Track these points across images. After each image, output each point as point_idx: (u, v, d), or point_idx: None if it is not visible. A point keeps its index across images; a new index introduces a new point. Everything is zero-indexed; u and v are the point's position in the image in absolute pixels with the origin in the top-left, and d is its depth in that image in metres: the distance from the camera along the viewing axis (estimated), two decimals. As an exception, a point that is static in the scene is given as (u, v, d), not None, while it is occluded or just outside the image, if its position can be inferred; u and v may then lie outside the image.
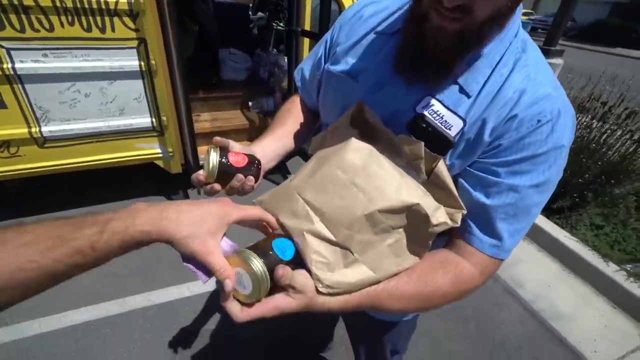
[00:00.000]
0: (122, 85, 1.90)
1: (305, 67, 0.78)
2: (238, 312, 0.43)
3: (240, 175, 0.57)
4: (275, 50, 3.42)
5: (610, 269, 2.03)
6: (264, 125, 2.94)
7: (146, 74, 1.91)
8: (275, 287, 0.44)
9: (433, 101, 0.52)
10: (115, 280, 1.80)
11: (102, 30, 1.73)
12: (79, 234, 0.35)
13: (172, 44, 1.87)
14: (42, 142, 1.86)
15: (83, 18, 1.67)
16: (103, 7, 1.67)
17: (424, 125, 0.52)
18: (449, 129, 0.51)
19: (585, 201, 2.44)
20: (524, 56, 0.51)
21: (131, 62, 1.85)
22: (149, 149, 2.15)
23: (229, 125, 2.82)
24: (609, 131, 2.44)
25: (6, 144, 1.79)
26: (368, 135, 0.55)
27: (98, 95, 1.87)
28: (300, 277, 0.45)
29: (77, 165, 2.01)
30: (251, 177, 0.59)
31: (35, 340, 1.51)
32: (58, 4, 1.60)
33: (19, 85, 1.69)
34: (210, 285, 1.84)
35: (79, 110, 1.87)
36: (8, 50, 1.61)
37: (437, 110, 0.52)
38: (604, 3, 19.58)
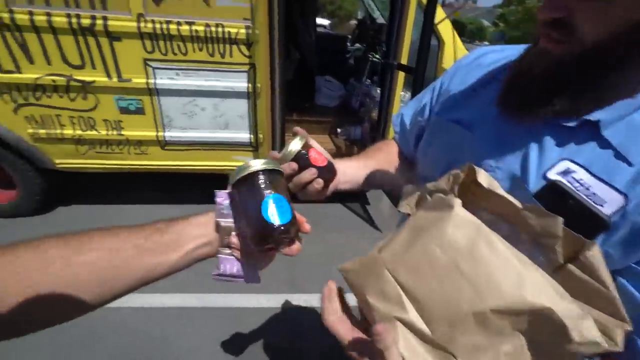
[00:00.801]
0: (230, 103, 2.16)
1: (407, 112, 0.73)
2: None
3: (313, 170, 0.53)
4: (369, 80, 3.53)
5: None
6: (349, 153, 3.01)
7: (251, 95, 2.15)
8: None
9: (573, 166, 0.41)
10: (203, 278, 1.99)
11: (222, 55, 2.02)
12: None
13: (277, 70, 2.08)
14: (164, 144, 2.21)
15: (209, 45, 1.98)
16: (226, 36, 1.96)
17: (562, 197, 0.40)
18: (601, 205, 0.39)
19: None
20: None
21: (241, 83, 2.11)
22: (243, 162, 2.38)
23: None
24: None
25: (139, 143, 2.18)
26: (477, 205, 0.44)
27: (211, 110, 2.17)
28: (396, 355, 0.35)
29: (186, 168, 2.33)
30: (321, 181, 0.54)
31: (129, 313, 1.74)
32: (194, 34, 1.92)
33: (156, 97, 2.07)
34: (277, 300, 1.90)
35: (195, 121, 2.18)
36: (154, 69, 1.99)
37: (581, 179, 0.40)
38: None
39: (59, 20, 1.77)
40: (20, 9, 1.74)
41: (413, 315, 0.38)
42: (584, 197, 0.40)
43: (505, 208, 0.41)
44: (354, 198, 2.85)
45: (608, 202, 0.39)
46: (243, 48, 2.02)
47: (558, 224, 0.37)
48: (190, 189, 2.74)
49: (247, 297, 1.90)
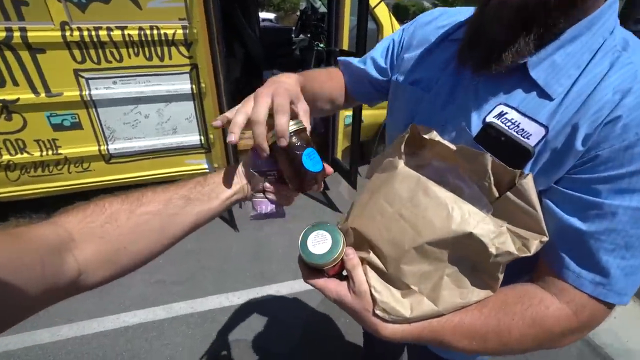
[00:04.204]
0: (175, 107, 2.10)
1: (367, 58, 0.74)
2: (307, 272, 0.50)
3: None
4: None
5: None
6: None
7: (196, 96, 2.09)
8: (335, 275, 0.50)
9: (506, 109, 0.47)
10: (163, 288, 1.94)
11: (161, 58, 1.95)
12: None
13: (220, 68, 2.04)
14: (109, 158, 2.10)
15: (146, 49, 1.90)
16: (163, 38, 1.89)
17: (496, 135, 0.46)
18: (527, 138, 0.45)
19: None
20: (624, 54, 0.43)
21: (184, 85, 2.05)
22: (197, 165, 2.32)
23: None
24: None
25: (80, 160, 2.05)
26: (429, 156, 0.52)
27: (155, 116, 2.09)
28: (362, 276, 0.47)
29: (136, 179, 2.23)
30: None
31: (94, 338, 1.67)
32: (127, 39, 1.83)
33: (93, 109, 1.95)
34: (247, 295, 1.91)
35: (140, 130, 2.09)
36: (87, 79, 1.87)
37: (512, 118, 0.46)
38: None
39: (-33, 35, 1.62)
40: None
41: (372, 256, 0.48)
42: (514, 133, 0.45)
43: (447, 153, 0.48)
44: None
45: (533, 135, 0.45)
46: (182, 49, 1.96)
47: (485, 160, 0.44)
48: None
49: (218, 298, 1.89)
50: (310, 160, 0.48)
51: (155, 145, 2.15)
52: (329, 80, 0.75)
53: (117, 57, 1.87)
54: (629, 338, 1.73)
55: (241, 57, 3.46)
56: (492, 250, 0.41)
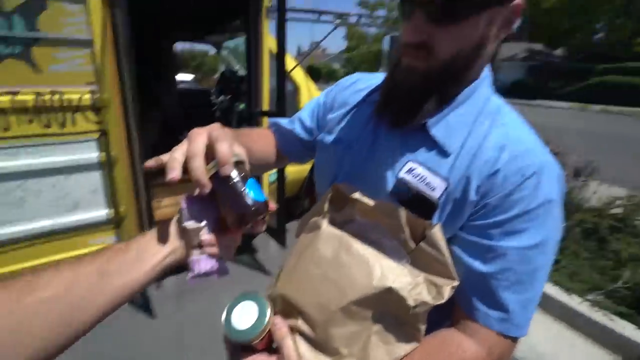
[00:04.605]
0: (77, 179, 1.84)
1: (295, 119, 0.78)
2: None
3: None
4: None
5: (575, 302, 2.08)
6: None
7: (105, 165, 1.88)
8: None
9: (414, 164, 0.52)
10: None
11: (62, 125, 1.74)
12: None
13: (134, 133, 1.90)
14: (-17, 247, 1.69)
15: (43, 116, 1.68)
16: (65, 104, 1.70)
17: (407, 190, 0.51)
18: (432, 190, 0.50)
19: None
20: (499, 117, 0.52)
21: (90, 154, 1.83)
22: (103, 244, 2.01)
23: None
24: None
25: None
26: (353, 214, 0.54)
27: (50, 192, 1.79)
28: (291, 347, 0.43)
29: (25, 269, 1.81)
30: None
31: None
32: (18, 105, 1.60)
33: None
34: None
35: (27, 210, 1.76)
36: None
37: (419, 174, 0.51)
38: (521, 66, 23.15)
39: None
40: None
41: (301, 323, 0.46)
42: (421, 187, 0.50)
43: (368, 209, 0.51)
44: (240, 250, 2.75)
45: (437, 188, 0.50)
46: (89, 114, 1.78)
47: (399, 214, 0.48)
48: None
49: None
50: (254, 190, 0.45)
51: (47, 226, 1.81)
52: (260, 139, 0.76)
53: (4, 125, 1.60)
54: (538, 344, 1.91)
55: (158, 121, 3.31)
56: (410, 302, 0.44)
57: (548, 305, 2.16)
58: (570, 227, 2.67)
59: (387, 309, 0.45)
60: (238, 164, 0.45)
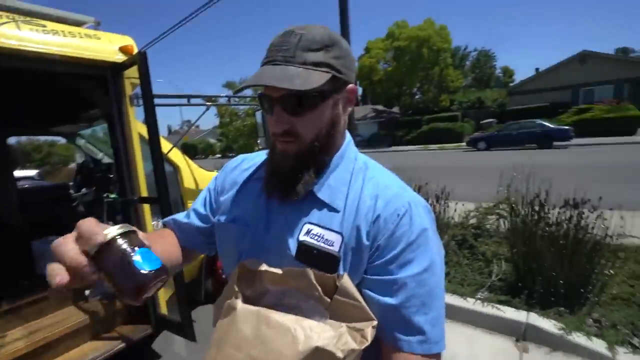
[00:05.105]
0: None
1: (190, 212, 0.79)
2: None
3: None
4: (111, 223, 3.06)
5: (470, 303, 2.42)
6: (111, 313, 2.35)
7: None
8: None
9: (311, 226, 0.57)
10: None
11: None
12: None
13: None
14: None
15: None
16: None
17: (309, 250, 0.56)
18: (331, 245, 0.55)
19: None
20: (368, 172, 0.62)
21: None
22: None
23: (58, 332, 2.12)
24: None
25: None
26: (265, 286, 0.56)
27: None
28: None
29: None
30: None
31: None
32: None
33: None
34: None
35: None
36: None
37: (317, 233, 0.56)
38: (373, 123, 28.63)
39: None
40: None
41: None
42: (322, 245, 0.56)
43: (277, 278, 0.54)
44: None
45: (335, 242, 0.55)
46: None
47: (309, 274, 0.51)
48: None
49: None
50: (148, 260, 0.44)
51: None
52: (160, 239, 0.74)
53: None
54: (455, 348, 2.10)
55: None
56: (339, 354, 0.46)
57: (453, 313, 2.43)
58: (447, 242, 3.15)
59: None
60: (126, 235, 0.44)
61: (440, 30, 27.18)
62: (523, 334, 2.16)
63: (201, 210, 0.77)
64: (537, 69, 26.39)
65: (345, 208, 0.58)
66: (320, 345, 0.45)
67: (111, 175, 3.51)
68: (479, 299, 2.46)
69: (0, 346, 1.83)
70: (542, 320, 2.15)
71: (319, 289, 0.51)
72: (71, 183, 4.20)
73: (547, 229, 2.32)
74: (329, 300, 0.51)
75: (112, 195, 3.22)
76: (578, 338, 1.97)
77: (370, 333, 0.49)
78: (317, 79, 0.53)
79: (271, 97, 0.56)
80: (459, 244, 3.23)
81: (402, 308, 0.52)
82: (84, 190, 3.91)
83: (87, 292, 2.42)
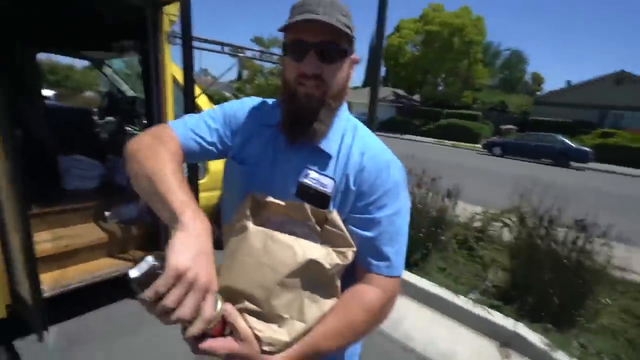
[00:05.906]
0: None
1: (202, 124, 0.76)
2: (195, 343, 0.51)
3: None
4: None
5: (461, 301, 2.50)
6: (127, 237, 2.49)
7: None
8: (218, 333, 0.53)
9: (309, 171, 0.69)
10: None
11: None
12: None
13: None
14: None
15: None
16: None
17: (307, 190, 0.67)
18: (325, 187, 0.67)
19: (430, 250, 3.05)
20: (358, 131, 0.75)
21: None
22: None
23: (79, 243, 2.27)
24: (424, 194, 3.17)
25: None
26: (269, 216, 0.68)
27: None
28: (243, 323, 0.55)
29: None
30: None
31: None
32: None
33: None
34: None
35: None
36: None
37: (314, 177, 0.68)
38: (391, 107, 27.64)
39: None
40: None
41: (248, 304, 0.58)
42: (318, 186, 0.67)
43: (280, 209, 0.67)
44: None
45: (328, 185, 0.68)
46: None
47: (304, 209, 0.65)
48: None
49: None
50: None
51: None
52: (168, 153, 0.68)
53: None
54: (439, 343, 2.21)
55: (17, 141, 2.64)
56: (328, 266, 0.61)
57: (443, 305, 2.55)
58: (448, 239, 3.23)
59: (311, 277, 0.60)
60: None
61: (476, 21, 25.78)
62: (508, 341, 2.22)
63: (224, 131, 0.76)
64: (568, 82, 25.27)
65: (338, 158, 0.71)
66: (314, 258, 0.59)
67: (137, 109, 3.55)
68: (471, 299, 2.54)
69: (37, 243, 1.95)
70: (529, 332, 2.20)
71: (313, 220, 0.65)
72: (96, 109, 4.25)
73: (552, 245, 2.36)
74: (319, 229, 0.65)
75: (136, 129, 3.28)
76: (562, 357, 1.98)
77: (350, 255, 0.64)
78: (349, 34, 0.64)
79: (307, 43, 0.63)
80: (460, 244, 3.31)
81: (375, 240, 0.67)
82: (108, 118, 3.97)
83: (107, 213, 2.55)
